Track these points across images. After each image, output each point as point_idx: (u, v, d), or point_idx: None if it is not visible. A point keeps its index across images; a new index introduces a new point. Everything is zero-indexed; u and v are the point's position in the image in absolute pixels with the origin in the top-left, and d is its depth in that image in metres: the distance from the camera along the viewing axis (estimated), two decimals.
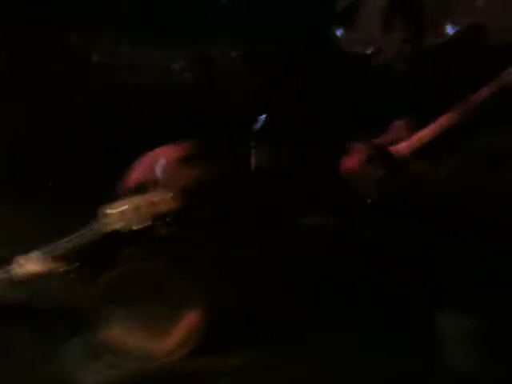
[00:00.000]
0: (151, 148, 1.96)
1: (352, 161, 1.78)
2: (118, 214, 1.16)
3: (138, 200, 1.16)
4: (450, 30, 1.82)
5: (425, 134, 1.84)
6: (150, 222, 1.19)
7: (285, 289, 1.85)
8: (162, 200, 1.17)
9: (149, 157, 1.99)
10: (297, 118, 1.83)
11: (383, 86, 1.75)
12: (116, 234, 1.22)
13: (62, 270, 1.26)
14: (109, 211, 1.16)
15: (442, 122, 1.77)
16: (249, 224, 1.96)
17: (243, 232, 1.94)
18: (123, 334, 2.00)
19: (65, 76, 2.21)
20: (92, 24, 2.24)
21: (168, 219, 1.23)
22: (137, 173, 1.94)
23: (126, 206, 1.16)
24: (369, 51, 1.77)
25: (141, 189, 1.17)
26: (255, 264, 1.86)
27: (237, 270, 1.89)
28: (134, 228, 1.18)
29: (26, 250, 1.28)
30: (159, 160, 1.99)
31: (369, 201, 1.84)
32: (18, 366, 1.42)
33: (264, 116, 1.72)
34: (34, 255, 1.21)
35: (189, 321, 1.97)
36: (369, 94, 1.75)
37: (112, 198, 1.24)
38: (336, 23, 1.86)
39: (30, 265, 1.20)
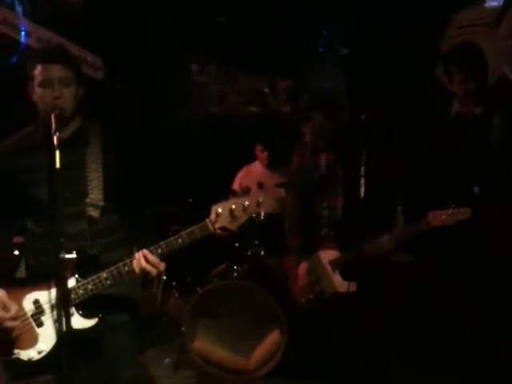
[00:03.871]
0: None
1: None
2: (228, 211, 1.27)
3: (244, 201, 1.26)
4: None
5: None
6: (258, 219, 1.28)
7: None
8: (265, 201, 1.27)
9: (245, 168, 2.78)
10: None
11: None
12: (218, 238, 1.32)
13: (163, 269, 1.34)
14: (220, 210, 1.27)
15: None
16: None
17: None
18: (208, 346, 2.10)
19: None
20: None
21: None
22: (237, 180, 2.75)
23: (233, 206, 1.26)
24: None
25: (244, 193, 1.28)
26: None
27: None
28: (239, 225, 1.28)
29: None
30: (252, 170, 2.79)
31: None
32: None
33: None
34: (143, 252, 1.29)
35: (272, 341, 2.04)
36: None
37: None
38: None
39: (138, 263, 1.28)
